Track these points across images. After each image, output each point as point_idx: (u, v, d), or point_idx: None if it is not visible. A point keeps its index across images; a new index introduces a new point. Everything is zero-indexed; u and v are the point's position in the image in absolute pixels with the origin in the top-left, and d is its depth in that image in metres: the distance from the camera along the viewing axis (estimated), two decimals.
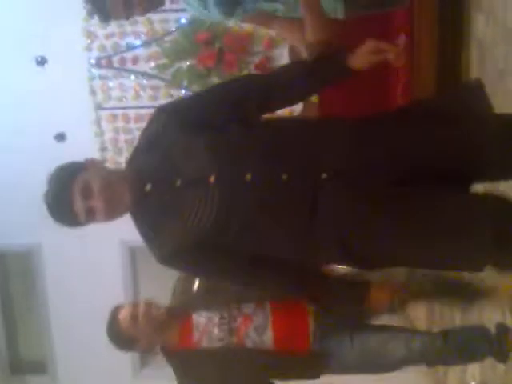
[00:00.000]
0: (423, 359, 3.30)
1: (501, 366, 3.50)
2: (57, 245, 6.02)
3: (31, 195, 5.85)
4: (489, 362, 3.65)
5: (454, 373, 4.75)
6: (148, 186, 2.15)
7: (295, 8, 2.60)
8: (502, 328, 3.30)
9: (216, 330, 3.12)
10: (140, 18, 5.32)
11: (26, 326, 6.71)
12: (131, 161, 2.28)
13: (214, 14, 2.69)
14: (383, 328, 3.36)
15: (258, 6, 2.69)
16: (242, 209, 2.09)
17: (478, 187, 2.45)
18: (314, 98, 4.54)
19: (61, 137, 5.82)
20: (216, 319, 3.14)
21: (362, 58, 2.14)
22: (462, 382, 4.46)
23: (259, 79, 2.35)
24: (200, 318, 3.17)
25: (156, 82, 5.58)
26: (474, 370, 3.80)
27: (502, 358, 3.26)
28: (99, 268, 6.09)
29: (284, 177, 2.07)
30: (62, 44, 5.58)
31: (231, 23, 2.81)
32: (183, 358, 3.16)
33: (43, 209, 6.10)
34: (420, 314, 5.13)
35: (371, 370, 3.29)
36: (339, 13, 2.75)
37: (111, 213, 2.20)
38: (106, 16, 2.58)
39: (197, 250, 2.17)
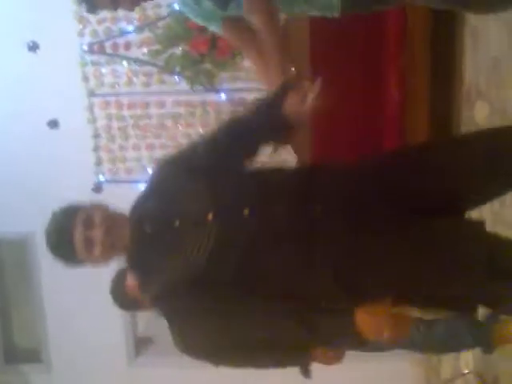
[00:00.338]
0: (408, 344, 3.31)
1: (494, 355, 3.50)
2: None
3: (25, 183, 5.89)
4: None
5: (447, 361, 4.75)
6: (147, 227, 2.24)
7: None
8: (490, 319, 3.34)
9: None
10: None
11: (20, 314, 6.69)
12: (134, 206, 2.35)
13: (208, 7, 2.59)
14: None
15: None
16: (241, 242, 2.13)
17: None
18: None
19: (54, 123, 5.77)
20: None
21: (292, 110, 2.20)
22: (456, 369, 4.47)
23: (217, 146, 2.35)
24: None
25: (149, 68, 5.54)
26: (467, 357, 3.80)
27: (488, 350, 3.34)
28: None
29: (280, 209, 2.13)
30: (54, 29, 5.52)
31: (211, 29, 2.69)
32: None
33: (37, 197, 6.10)
34: None
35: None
36: (335, 9, 2.58)
37: (109, 248, 2.23)
38: (92, 6, 2.53)
39: (193, 287, 2.18)
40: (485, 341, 3.30)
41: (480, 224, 2.29)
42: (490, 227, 3.46)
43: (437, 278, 2.14)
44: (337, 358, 3.02)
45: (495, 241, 2.33)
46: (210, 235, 2.13)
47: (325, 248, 2.12)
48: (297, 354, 3.06)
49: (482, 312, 3.40)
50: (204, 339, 2.66)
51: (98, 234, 2.19)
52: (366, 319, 2.18)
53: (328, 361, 2.86)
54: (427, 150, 2.38)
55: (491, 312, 3.34)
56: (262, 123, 2.29)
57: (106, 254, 2.25)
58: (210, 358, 2.80)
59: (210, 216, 2.14)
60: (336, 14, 2.54)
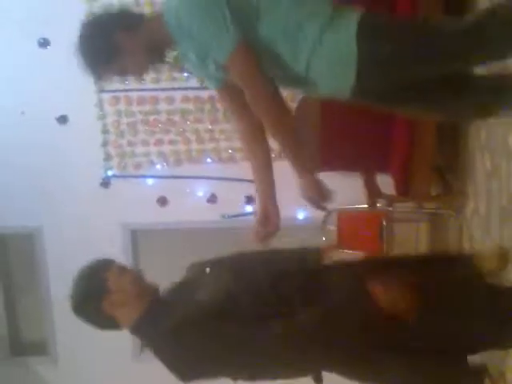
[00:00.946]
0: None
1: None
2: (58, 228, 6.03)
3: (34, 177, 5.92)
4: None
5: None
6: None
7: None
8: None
9: None
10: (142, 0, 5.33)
11: (27, 308, 6.73)
12: None
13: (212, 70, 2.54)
14: None
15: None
16: None
17: None
18: None
19: (63, 119, 5.81)
20: None
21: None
22: None
23: None
24: None
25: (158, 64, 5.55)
26: None
27: None
28: (100, 251, 6.07)
29: None
30: (64, 26, 5.51)
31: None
32: None
33: (46, 192, 6.12)
34: None
35: None
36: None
37: None
38: (100, 79, 2.74)
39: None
40: None
41: None
42: (497, 223, 3.53)
43: None
44: None
45: None
46: None
47: None
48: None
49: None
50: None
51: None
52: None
53: None
54: None
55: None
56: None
57: None
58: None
59: None
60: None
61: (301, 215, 5.70)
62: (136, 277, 2.69)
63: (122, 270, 2.68)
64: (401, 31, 2.35)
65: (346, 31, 2.29)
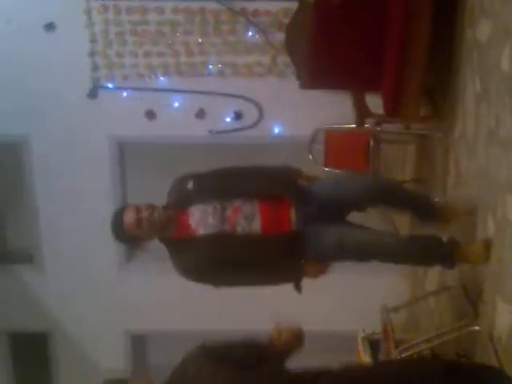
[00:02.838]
0: (390, 253, 3.53)
1: (480, 269, 3.63)
2: (45, 137, 5.99)
3: (20, 86, 5.85)
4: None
5: (433, 275, 4.87)
6: None
7: None
8: (453, 240, 3.55)
9: (210, 219, 3.41)
10: None
11: (13, 216, 6.75)
12: None
13: None
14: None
15: None
16: None
17: None
18: None
19: (50, 27, 5.67)
20: (210, 209, 3.42)
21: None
22: (441, 282, 4.59)
23: None
24: (195, 211, 3.45)
25: None
26: (453, 272, 3.90)
27: (450, 265, 3.57)
28: (87, 162, 6.09)
29: None
30: None
31: None
32: (181, 246, 3.47)
33: (33, 100, 6.08)
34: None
35: (345, 254, 3.53)
36: None
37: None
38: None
39: None
40: (450, 257, 3.52)
41: None
42: (483, 146, 3.55)
43: None
44: (322, 272, 3.59)
45: None
46: None
47: None
48: (290, 270, 3.54)
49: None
50: (200, 263, 3.40)
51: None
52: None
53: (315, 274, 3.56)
54: None
55: (452, 236, 3.60)
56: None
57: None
58: (203, 276, 3.51)
59: None
60: None
61: (287, 131, 5.70)
62: None
63: None
64: None
65: None
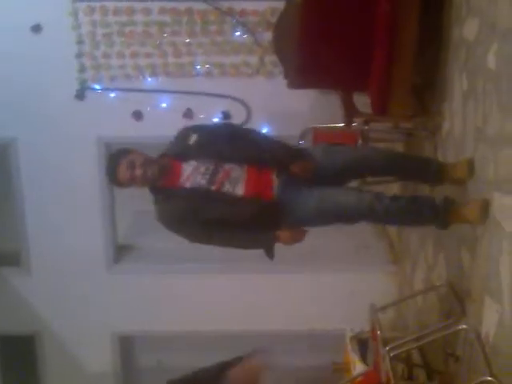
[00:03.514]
0: (371, 212, 3.53)
1: (467, 268, 3.63)
2: (32, 139, 5.96)
3: (7, 88, 5.81)
4: (455, 261, 3.78)
5: (420, 273, 4.88)
6: None
7: None
8: (448, 200, 3.55)
9: (199, 177, 3.60)
10: None
11: (0, 219, 6.71)
12: None
13: None
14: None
15: None
16: None
17: None
18: None
19: (37, 28, 5.65)
20: (202, 169, 3.61)
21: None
22: (428, 281, 4.59)
23: None
24: (188, 166, 3.64)
25: None
26: (440, 269, 3.91)
27: (443, 226, 3.58)
28: (75, 163, 6.07)
29: None
30: None
31: None
32: (165, 194, 3.66)
33: (20, 103, 6.03)
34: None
35: (327, 216, 3.62)
36: None
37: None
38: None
39: None
40: (443, 218, 3.52)
41: None
42: (471, 144, 3.55)
43: None
44: (297, 238, 3.63)
45: None
46: None
47: None
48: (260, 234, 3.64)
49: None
50: (176, 213, 3.61)
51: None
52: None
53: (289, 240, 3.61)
54: None
55: (447, 195, 3.61)
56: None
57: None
58: (177, 226, 3.65)
59: None
60: None
61: (275, 131, 5.69)
62: None
63: None
64: None
65: None
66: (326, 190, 3.61)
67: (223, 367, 2.94)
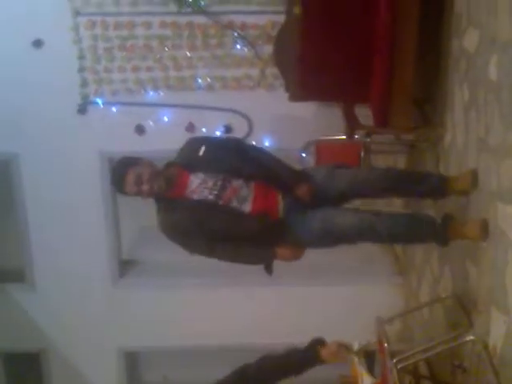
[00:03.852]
0: (372, 232, 3.55)
1: (473, 279, 3.60)
2: (35, 155, 5.96)
3: (9, 103, 5.82)
4: (461, 273, 3.76)
5: (426, 285, 4.86)
6: None
7: None
8: (447, 217, 3.59)
9: (206, 192, 3.59)
10: None
11: (4, 235, 6.70)
12: None
13: None
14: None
15: None
16: None
17: None
18: None
19: (38, 43, 5.66)
20: (210, 184, 3.60)
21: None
22: (434, 293, 4.57)
23: None
24: (195, 179, 3.62)
25: None
26: (446, 281, 3.89)
27: (443, 242, 3.60)
28: (77, 178, 6.06)
29: None
30: None
31: None
32: (170, 204, 3.62)
33: (22, 118, 6.03)
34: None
35: (329, 237, 3.61)
36: None
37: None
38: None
39: None
40: (443, 235, 3.54)
41: None
42: (473, 155, 3.54)
43: None
44: (295, 256, 3.67)
45: None
46: None
47: None
48: (260, 250, 3.66)
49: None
50: (181, 224, 3.57)
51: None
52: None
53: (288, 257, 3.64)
54: None
55: (446, 213, 3.65)
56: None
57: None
58: (181, 237, 3.61)
59: None
60: None
61: (277, 144, 5.68)
62: None
63: None
64: None
65: None
66: (328, 211, 3.61)
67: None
